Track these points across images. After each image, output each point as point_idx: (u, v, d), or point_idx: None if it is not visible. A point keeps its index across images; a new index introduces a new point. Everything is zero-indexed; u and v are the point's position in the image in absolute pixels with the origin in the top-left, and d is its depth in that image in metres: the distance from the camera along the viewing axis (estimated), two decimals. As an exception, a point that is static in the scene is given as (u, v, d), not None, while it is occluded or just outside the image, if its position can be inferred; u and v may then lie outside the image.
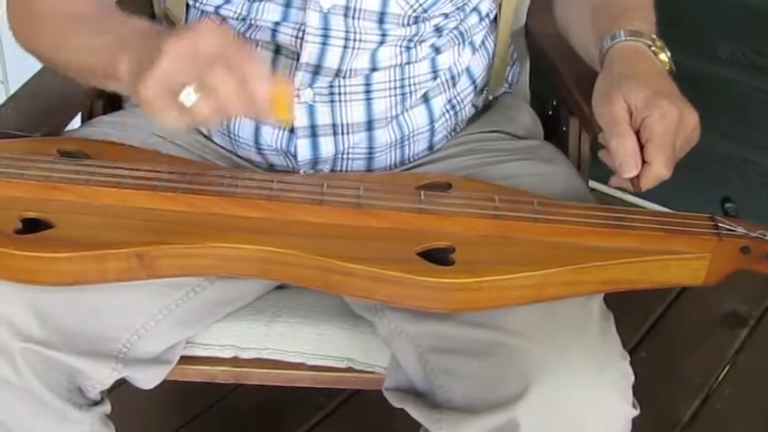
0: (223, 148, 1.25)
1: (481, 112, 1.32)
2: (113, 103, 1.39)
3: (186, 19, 1.24)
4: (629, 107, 1.03)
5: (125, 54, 1.00)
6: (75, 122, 1.34)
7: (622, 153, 1.02)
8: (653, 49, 1.10)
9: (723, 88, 2.13)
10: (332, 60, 1.15)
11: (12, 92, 1.31)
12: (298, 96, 1.16)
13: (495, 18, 1.28)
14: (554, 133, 1.38)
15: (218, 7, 1.18)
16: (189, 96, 0.93)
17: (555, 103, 1.40)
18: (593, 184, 1.45)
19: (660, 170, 1.02)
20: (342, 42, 1.15)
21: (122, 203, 1.03)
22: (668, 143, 1.02)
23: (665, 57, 1.11)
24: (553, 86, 1.37)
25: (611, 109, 1.04)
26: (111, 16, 1.10)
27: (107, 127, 1.25)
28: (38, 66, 1.28)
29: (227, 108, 0.94)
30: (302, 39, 1.15)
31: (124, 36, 1.03)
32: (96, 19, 1.10)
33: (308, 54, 1.15)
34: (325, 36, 1.14)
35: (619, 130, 1.02)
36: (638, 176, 1.02)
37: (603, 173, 1.23)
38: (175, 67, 0.93)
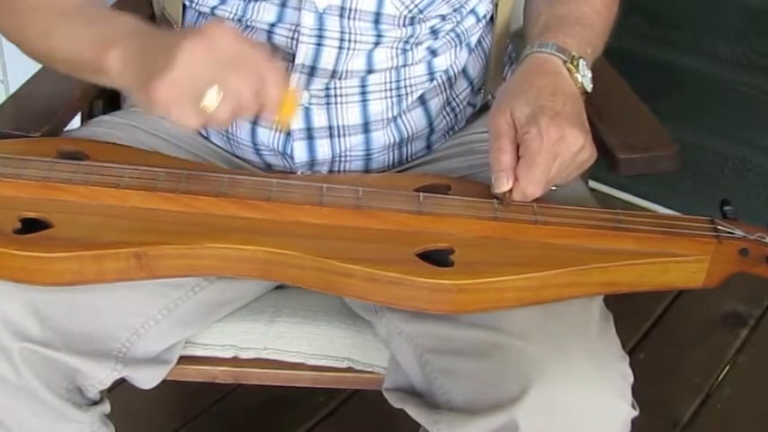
0: (221, 148, 1.25)
1: (480, 112, 1.32)
2: (113, 102, 1.39)
3: (183, 20, 1.24)
4: (515, 122, 1.03)
5: (115, 49, 1.00)
6: (75, 122, 1.34)
7: (496, 168, 1.03)
8: (568, 65, 1.10)
9: (723, 88, 2.13)
10: (327, 61, 1.15)
11: (12, 92, 1.31)
12: None
13: (492, 18, 1.27)
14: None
15: (213, 8, 1.18)
16: (212, 98, 0.94)
17: (555, 103, 1.40)
18: (593, 184, 1.45)
19: (527, 187, 1.02)
20: (337, 43, 1.15)
21: (121, 203, 1.04)
22: (541, 162, 1.02)
23: (579, 77, 1.10)
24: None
25: (496, 122, 1.05)
26: (97, 9, 1.10)
27: (107, 127, 1.25)
28: (38, 66, 1.28)
29: (245, 111, 0.96)
30: (297, 40, 1.15)
31: (113, 30, 1.04)
32: (82, 10, 1.10)
33: (303, 55, 1.15)
34: (320, 37, 1.14)
35: (498, 144, 1.03)
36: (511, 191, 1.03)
37: (603, 173, 1.24)
38: (195, 67, 0.94)
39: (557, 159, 1.02)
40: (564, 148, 1.02)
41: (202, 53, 0.94)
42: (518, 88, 1.08)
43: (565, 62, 1.10)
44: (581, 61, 1.10)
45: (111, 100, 1.38)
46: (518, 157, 1.03)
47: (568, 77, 1.09)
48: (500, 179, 1.03)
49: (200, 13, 1.21)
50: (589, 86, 1.11)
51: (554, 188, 1.06)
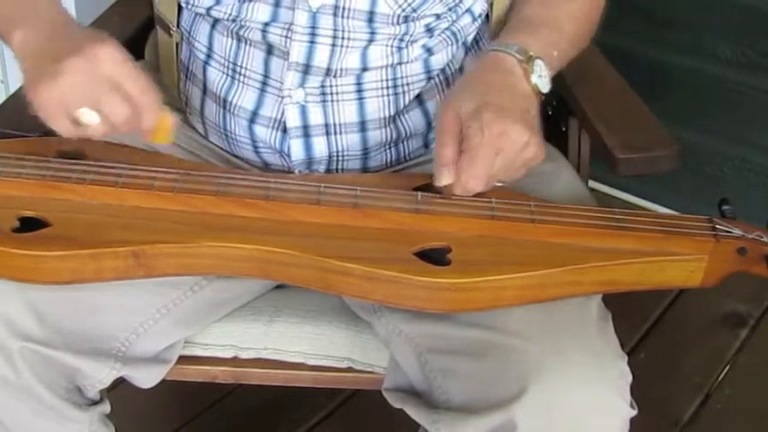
0: (219, 147, 1.25)
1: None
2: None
3: (178, 21, 1.24)
4: (459, 116, 1.04)
5: (20, 30, 1.05)
6: (75, 122, 1.34)
7: (438, 162, 1.04)
8: (523, 65, 1.10)
9: (723, 88, 2.13)
10: (321, 59, 1.16)
11: (12, 92, 1.31)
12: (290, 96, 1.17)
13: (488, 17, 1.28)
14: (554, 133, 1.38)
15: (209, 8, 1.18)
16: (84, 117, 1.00)
17: (554, 103, 1.40)
18: (593, 184, 1.45)
19: (468, 181, 1.03)
20: (330, 41, 1.15)
21: (120, 202, 1.04)
22: (481, 156, 1.02)
23: (534, 77, 1.10)
24: (553, 86, 1.37)
25: (442, 116, 1.05)
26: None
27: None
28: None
29: (119, 130, 1.01)
30: (290, 38, 1.15)
31: (28, 10, 1.08)
32: None
33: (297, 53, 1.15)
34: (313, 35, 1.14)
35: (442, 138, 1.04)
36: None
37: (603, 173, 1.24)
38: (73, 88, 0.99)
39: (499, 155, 1.02)
40: (506, 143, 1.02)
41: (84, 73, 0.99)
42: (467, 84, 1.09)
43: (520, 62, 1.10)
44: (537, 61, 1.10)
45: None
46: (461, 152, 1.03)
47: (522, 76, 1.10)
48: (441, 173, 1.04)
49: (196, 13, 1.21)
50: (545, 88, 1.11)
51: (500, 184, 1.06)
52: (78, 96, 0.99)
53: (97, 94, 0.99)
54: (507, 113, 1.03)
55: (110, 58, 1.00)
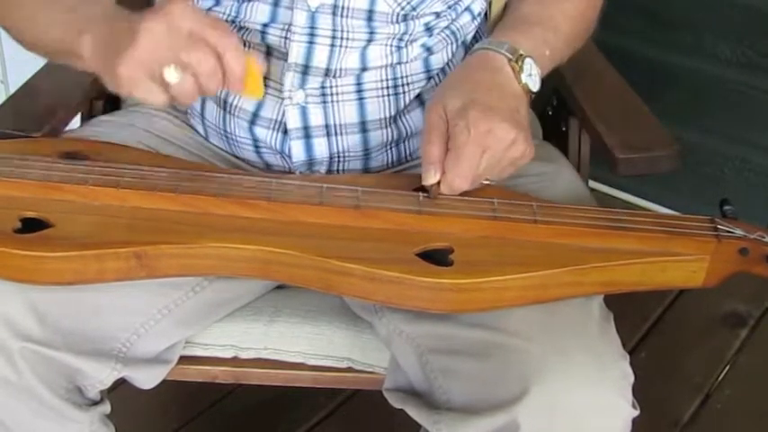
0: (221, 149, 1.25)
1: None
2: (113, 103, 1.39)
3: None
4: (446, 114, 1.04)
5: (87, 34, 1.03)
6: (75, 122, 1.34)
7: (425, 160, 1.04)
8: (512, 64, 1.10)
9: (723, 88, 2.13)
10: (320, 59, 1.15)
11: (12, 92, 1.31)
12: (290, 98, 1.16)
13: (487, 15, 1.28)
14: (554, 133, 1.39)
15: (208, 9, 1.18)
16: (171, 75, 0.97)
17: (555, 103, 1.40)
18: (592, 184, 1.45)
19: (454, 180, 1.03)
20: (329, 41, 1.15)
21: (121, 203, 1.04)
22: (467, 155, 1.02)
23: (523, 76, 1.10)
24: (553, 86, 1.37)
25: (428, 114, 1.05)
26: None
27: (107, 127, 1.25)
28: (38, 66, 1.28)
29: (208, 85, 0.98)
30: (289, 39, 1.15)
31: (86, 16, 1.06)
32: None
33: (296, 53, 1.15)
34: (312, 35, 1.14)
35: (428, 137, 1.04)
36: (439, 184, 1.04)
37: (603, 173, 1.24)
38: (155, 46, 0.96)
39: (485, 153, 1.02)
40: (493, 141, 1.02)
41: (161, 32, 0.97)
42: (454, 82, 1.09)
43: (509, 60, 1.10)
44: (527, 60, 1.10)
45: (111, 100, 1.38)
46: (448, 150, 1.03)
47: (511, 75, 1.10)
48: (428, 171, 1.04)
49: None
50: (535, 86, 1.11)
51: (487, 182, 1.06)
52: (161, 54, 0.97)
53: (179, 48, 0.97)
54: (494, 112, 1.03)
55: (184, 12, 0.98)
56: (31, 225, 1.00)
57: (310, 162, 1.20)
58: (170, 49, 0.97)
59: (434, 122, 1.04)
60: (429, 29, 1.19)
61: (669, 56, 2.17)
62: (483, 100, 1.04)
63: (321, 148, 1.19)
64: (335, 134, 1.19)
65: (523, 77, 1.10)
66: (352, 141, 1.20)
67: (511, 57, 1.10)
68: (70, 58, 1.07)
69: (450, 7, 1.20)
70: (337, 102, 1.18)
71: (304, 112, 1.18)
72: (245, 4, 1.15)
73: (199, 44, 0.97)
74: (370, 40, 1.16)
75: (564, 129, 1.37)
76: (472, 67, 1.11)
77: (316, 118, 1.18)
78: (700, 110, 2.17)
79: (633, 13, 2.13)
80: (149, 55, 0.97)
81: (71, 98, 1.29)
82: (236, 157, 1.24)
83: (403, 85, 1.20)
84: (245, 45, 1.17)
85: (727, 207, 1.08)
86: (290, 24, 1.14)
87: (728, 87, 2.13)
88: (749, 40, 2.07)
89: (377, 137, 1.20)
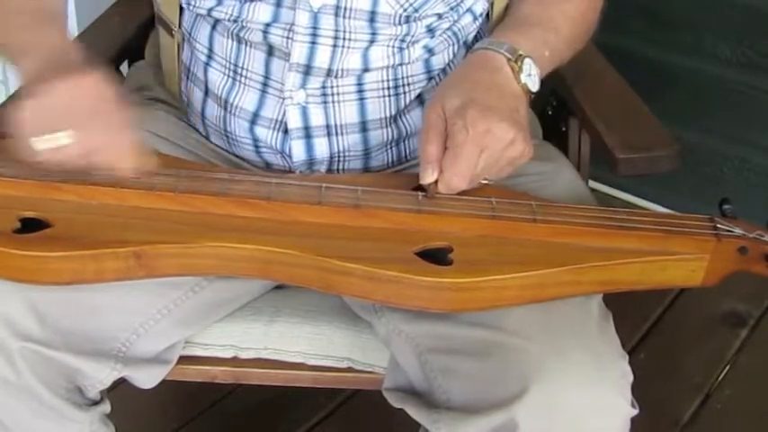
0: (221, 147, 1.25)
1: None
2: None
3: (180, 21, 1.24)
4: (445, 114, 1.04)
5: (27, 59, 1.06)
6: (75, 122, 1.33)
7: (423, 159, 1.04)
8: (511, 64, 1.10)
9: (723, 88, 2.13)
10: (322, 60, 1.16)
11: (12, 92, 1.31)
12: (291, 97, 1.17)
13: (488, 16, 1.28)
14: (554, 133, 1.38)
15: (210, 9, 1.18)
16: (60, 140, 0.99)
17: (555, 103, 1.40)
18: (593, 184, 1.45)
19: (452, 179, 1.03)
20: (331, 41, 1.15)
21: (120, 203, 1.04)
22: (465, 154, 1.02)
23: (523, 76, 1.10)
24: (553, 86, 1.37)
25: (427, 113, 1.06)
26: (53, 23, 1.14)
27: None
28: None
29: (90, 158, 1.01)
30: (291, 39, 1.15)
31: (34, 41, 1.09)
32: (33, 15, 1.13)
33: (298, 54, 1.15)
34: (314, 35, 1.14)
35: (425, 136, 1.04)
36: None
37: (603, 173, 1.24)
38: (53, 109, 0.99)
39: (483, 152, 1.02)
40: (491, 141, 1.02)
41: (65, 98, 0.99)
42: (453, 81, 1.09)
43: (509, 60, 1.10)
44: (526, 60, 1.10)
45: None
46: (445, 149, 1.03)
47: (510, 75, 1.10)
48: (425, 170, 1.04)
49: (197, 14, 1.21)
50: (534, 87, 1.11)
51: (485, 181, 1.06)
52: (55, 118, 0.99)
53: (74, 119, 0.99)
54: (493, 111, 1.03)
55: (94, 89, 1.01)
56: (31, 225, 1.00)
57: (310, 162, 1.20)
58: (68, 115, 0.99)
59: (433, 121, 1.04)
60: (431, 30, 1.19)
61: (669, 56, 2.17)
62: (482, 99, 1.04)
63: (321, 147, 1.19)
64: (336, 134, 1.19)
65: (523, 77, 1.10)
66: (352, 141, 1.20)
67: (510, 57, 1.10)
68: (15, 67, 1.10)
69: (452, 8, 1.20)
70: (338, 102, 1.18)
71: (305, 112, 1.18)
72: (248, 3, 1.15)
73: (93, 121, 1.00)
74: (372, 41, 1.16)
75: (564, 129, 1.37)
76: (471, 67, 1.11)
77: (316, 118, 1.18)
78: (700, 110, 2.17)
79: (633, 13, 2.13)
80: (48, 113, 0.99)
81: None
82: (237, 157, 1.24)
83: (404, 86, 1.20)
84: (247, 44, 1.18)
85: (726, 206, 1.08)
86: (292, 24, 1.14)
87: (728, 87, 2.12)
88: (749, 40, 2.07)
89: (377, 136, 1.20)
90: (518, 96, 1.09)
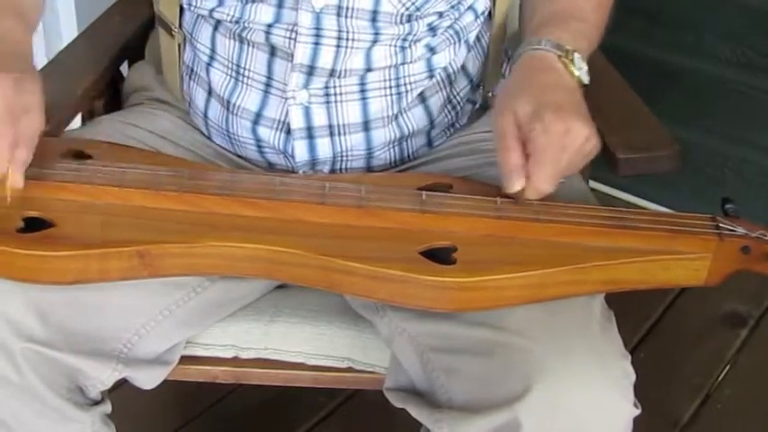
0: (224, 148, 1.25)
1: (481, 110, 1.32)
2: (113, 102, 1.39)
3: (180, 22, 1.24)
4: (518, 120, 1.03)
5: None
6: (76, 122, 1.34)
7: (505, 168, 1.03)
8: (563, 60, 1.10)
9: (723, 88, 2.13)
10: (325, 60, 1.16)
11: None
12: (293, 98, 1.17)
13: (491, 14, 1.28)
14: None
15: (211, 10, 1.18)
16: None
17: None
18: (593, 184, 1.45)
19: (539, 185, 1.02)
20: (334, 42, 1.15)
21: (124, 203, 1.04)
22: (550, 158, 1.02)
23: (575, 69, 1.10)
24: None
25: (500, 121, 1.05)
26: (16, 18, 1.13)
27: (107, 127, 1.25)
28: (38, 66, 1.27)
29: None
30: (295, 39, 1.15)
31: None
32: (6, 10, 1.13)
33: (301, 54, 1.15)
34: (318, 36, 1.15)
35: (504, 143, 1.03)
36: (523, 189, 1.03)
37: (603, 173, 1.24)
38: None
39: (565, 152, 1.02)
40: (570, 140, 1.02)
41: None
42: (518, 87, 1.08)
43: (560, 57, 1.10)
44: (576, 55, 1.10)
45: (111, 100, 1.38)
46: (526, 155, 1.03)
47: (565, 72, 1.10)
48: (510, 179, 1.03)
49: (198, 15, 1.21)
50: (586, 79, 1.11)
51: (562, 180, 1.06)
52: None
53: None
54: (565, 111, 1.03)
55: (11, 90, 1.00)
56: (34, 224, 1.00)
57: (313, 162, 1.20)
58: None
59: (508, 129, 1.03)
60: (432, 29, 1.19)
61: (669, 56, 2.17)
62: (552, 101, 1.04)
63: (324, 147, 1.19)
64: (339, 134, 1.19)
65: (575, 71, 1.10)
66: (355, 141, 1.20)
67: (560, 53, 1.10)
68: None
69: (453, 6, 1.20)
70: (341, 102, 1.18)
71: (307, 112, 1.18)
72: (249, 4, 1.15)
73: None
74: (374, 41, 1.16)
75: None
76: (528, 70, 1.11)
77: (319, 118, 1.18)
78: (700, 110, 2.17)
79: (634, 14, 2.13)
80: None
81: (71, 98, 1.29)
82: (239, 157, 1.24)
83: (405, 84, 1.20)
84: (249, 45, 1.18)
85: (728, 205, 1.08)
86: (294, 25, 1.14)
87: (728, 87, 2.13)
88: (749, 40, 2.07)
89: (379, 136, 1.20)
90: (577, 91, 1.09)
